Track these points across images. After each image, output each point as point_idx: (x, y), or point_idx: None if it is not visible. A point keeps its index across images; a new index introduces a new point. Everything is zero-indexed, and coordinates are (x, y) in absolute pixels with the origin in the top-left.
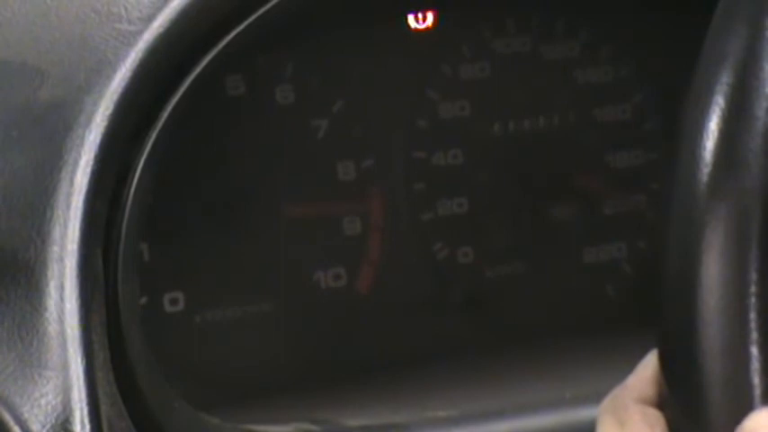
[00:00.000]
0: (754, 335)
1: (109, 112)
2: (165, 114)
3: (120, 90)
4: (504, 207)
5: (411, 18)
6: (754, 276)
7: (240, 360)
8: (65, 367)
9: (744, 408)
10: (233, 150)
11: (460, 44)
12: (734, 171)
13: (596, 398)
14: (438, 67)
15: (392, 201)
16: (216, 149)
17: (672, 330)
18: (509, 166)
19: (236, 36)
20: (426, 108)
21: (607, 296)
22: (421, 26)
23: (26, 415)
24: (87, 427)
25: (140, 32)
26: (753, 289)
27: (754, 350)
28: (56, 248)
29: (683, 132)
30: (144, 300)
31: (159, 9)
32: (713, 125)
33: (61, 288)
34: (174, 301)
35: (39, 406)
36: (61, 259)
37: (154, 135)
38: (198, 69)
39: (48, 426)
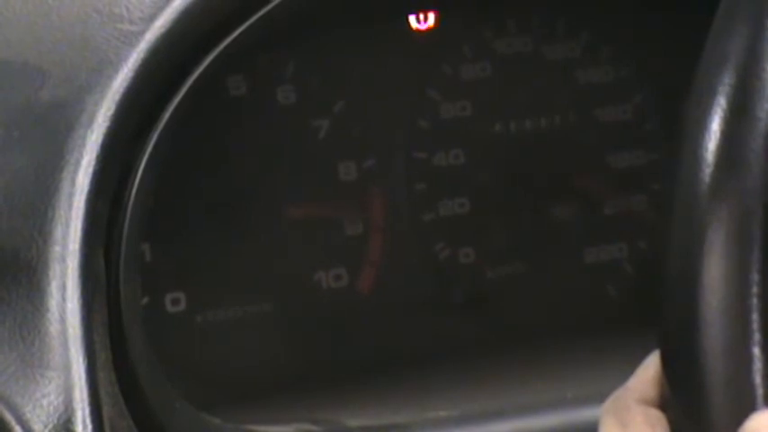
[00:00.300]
0: (756, 335)
1: (110, 112)
2: (166, 114)
3: (121, 90)
4: (506, 207)
5: (412, 18)
6: (755, 277)
7: (241, 360)
8: (66, 367)
9: (745, 408)
10: (234, 150)
11: (461, 44)
12: (735, 171)
13: (597, 398)
14: (439, 67)
15: (393, 201)
16: (217, 149)
17: (673, 331)
18: (510, 167)
19: (237, 36)
20: (427, 108)
21: (608, 296)
22: (422, 26)
23: (28, 415)
24: (89, 427)
25: (142, 33)
26: (754, 289)
27: (756, 351)
28: (57, 248)
29: (684, 133)
30: (145, 300)
31: (161, 9)
32: (715, 126)
33: (63, 288)
34: (175, 302)
35: (41, 406)
36: (63, 259)
37: (155, 135)
38: (199, 69)
39: (49, 426)
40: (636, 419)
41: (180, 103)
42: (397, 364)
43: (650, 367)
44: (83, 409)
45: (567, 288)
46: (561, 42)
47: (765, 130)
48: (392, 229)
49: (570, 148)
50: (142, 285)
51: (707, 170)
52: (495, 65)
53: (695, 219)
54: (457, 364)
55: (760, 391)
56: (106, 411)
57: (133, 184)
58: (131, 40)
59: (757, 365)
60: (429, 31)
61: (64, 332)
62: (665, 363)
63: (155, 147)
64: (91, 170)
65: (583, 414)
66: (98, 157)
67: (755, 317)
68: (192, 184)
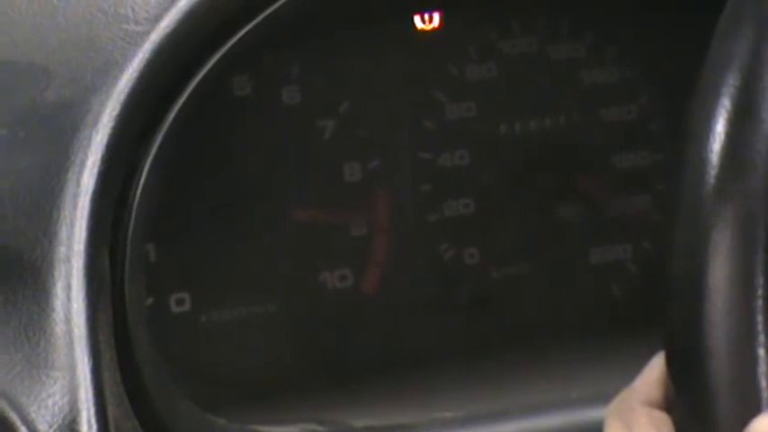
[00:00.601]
0: (761, 337)
1: (116, 112)
2: (171, 115)
3: (126, 90)
4: (511, 208)
5: (417, 19)
6: (760, 278)
7: (246, 361)
8: (72, 367)
9: (750, 410)
10: (239, 151)
11: (467, 45)
12: (740, 173)
13: (602, 398)
14: (444, 67)
15: (398, 201)
16: (222, 150)
17: (678, 332)
18: (515, 167)
19: (242, 36)
20: (432, 109)
21: (613, 296)
22: (427, 27)
23: (33, 415)
24: (94, 427)
25: (147, 33)
26: (759, 291)
27: (761, 352)
28: (62, 249)
29: (689, 134)
30: (150, 300)
31: (166, 9)
32: (719, 127)
33: (68, 288)
34: (180, 302)
35: (46, 406)
36: (68, 259)
37: (160, 136)
38: (204, 70)
39: (54, 426)
40: (640, 421)
41: (185, 104)
42: (402, 365)
43: (655, 368)
44: (88, 410)
45: (571, 288)
46: (566, 43)
47: None
48: (397, 230)
49: (575, 149)
50: (147, 286)
51: (711, 172)
52: (500, 65)
53: (700, 220)
54: (462, 364)
55: (765, 393)
56: (111, 411)
57: (138, 184)
58: (136, 40)
59: (762, 367)
60: (434, 31)
61: (69, 332)
62: (670, 364)
63: (160, 147)
64: (96, 171)
65: (587, 414)
66: (103, 157)
67: (760, 318)
68: (196, 184)
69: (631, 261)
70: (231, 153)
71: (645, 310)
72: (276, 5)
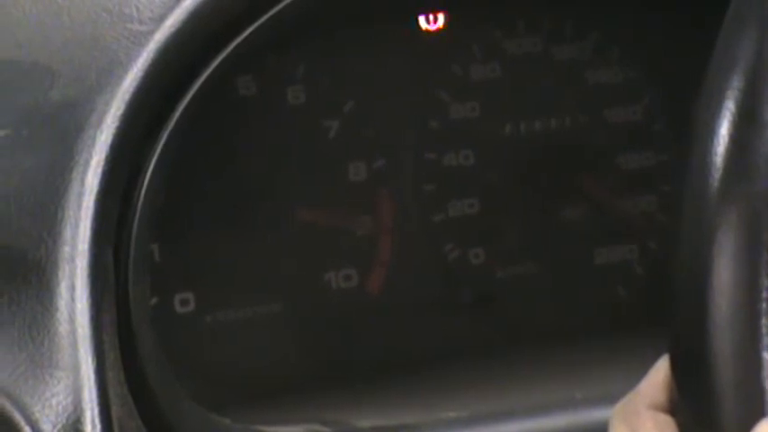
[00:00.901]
0: (766, 340)
1: (120, 112)
2: (176, 114)
3: (131, 90)
4: (515, 208)
5: (422, 19)
6: (765, 281)
7: (251, 361)
8: (76, 367)
9: (755, 413)
10: (244, 151)
11: (471, 45)
12: (745, 175)
13: (607, 399)
14: (449, 67)
15: (403, 201)
16: (227, 150)
17: (682, 336)
18: (520, 167)
19: (247, 36)
20: (437, 109)
21: (618, 297)
22: (432, 27)
23: (37, 415)
24: (98, 427)
25: (152, 33)
26: (764, 294)
27: (766, 355)
28: (67, 248)
29: (694, 136)
30: (154, 300)
31: (171, 9)
32: (724, 130)
33: (72, 288)
34: (184, 302)
35: (50, 406)
36: (72, 259)
37: (165, 135)
38: (209, 70)
39: (58, 426)
40: (646, 425)
41: (189, 104)
42: (407, 365)
43: (660, 372)
44: (92, 409)
45: (576, 289)
46: (570, 43)
47: None
48: (402, 230)
49: (579, 149)
50: (151, 286)
51: (716, 174)
52: (504, 65)
53: (704, 223)
54: (466, 364)
55: None
56: (115, 411)
57: (142, 184)
58: (141, 40)
59: (767, 370)
60: (438, 31)
61: (73, 332)
62: (675, 367)
63: (164, 147)
64: (100, 170)
65: (592, 415)
66: (107, 157)
67: (765, 321)
68: (201, 184)
69: (637, 262)
70: (236, 153)
71: (650, 311)
72: (281, 6)
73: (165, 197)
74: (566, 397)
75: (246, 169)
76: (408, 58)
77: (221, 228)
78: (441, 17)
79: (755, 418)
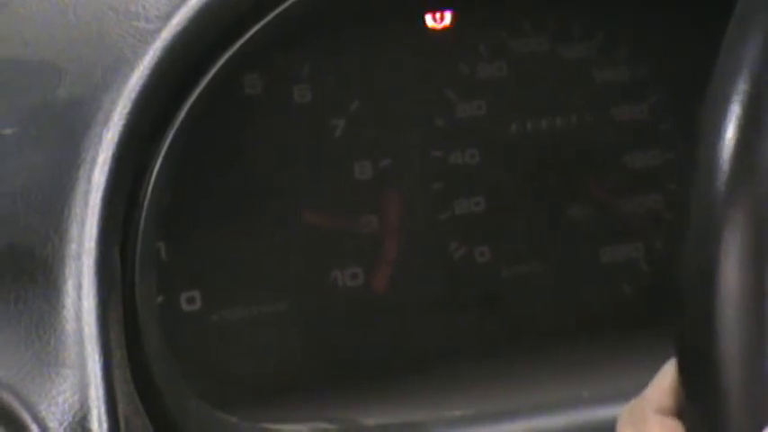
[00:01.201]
0: None
1: (127, 110)
2: (182, 113)
3: (137, 88)
4: (521, 206)
5: (428, 17)
6: None
7: (257, 359)
8: (82, 365)
9: (762, 418)
10: (250, 149)
11: (478, 44)
12: (750, 178)
13: (613, 397)
14: (455, 66)
15: (409, 200)
16: (233, 148)
17: (689, 340)
18: (526, 166)
19: (253, 35)
20: (443, 107)
21: (624, 295)
22: (438, 25)
23: (44, 413)
24: (105, 424)
25: (158, 30)
26: None
27: None
28: (73, 246)
29: (699, 138)
30: (161, 298)
31: (177, 7)
32: (729, 132)
33: (79, 286)
34: (190, 300)
35: (56, 404)
36: (79, 257)
37: (171, 134)
38: (215, 68)
39: (65, 423)
40: (653, 430)
41: (196, 102)
42: (413, 363)
43: (667, 376)
44: (98, 407)
45: (582, 287)
46: (577, 42)
47: None
48: (408, 228)
49: (586, 148)
50: (157, 284)
51: (721, 177)
52: (511, 64)
53: (711, 226)
54: (472, 362)
55: None
56: (121, 409)
57: (149, 182)
58: (147, 38)
59: None
60: (445, 30)
61: (80, 330)
62: (682, 372)
63: (170, 145)
64: (107, 168)
65: (598, 413)
66: (114, 155)
67: None
68: (207, 182)
69: (643, 260)
70: (242, 152)
71: (656, 309)
72: (287, 4)
73: (171, 195)
74: (571, 395)
75: (253, 168)
76: (415, 57)
77: (228, 226)
78: (447, 16)
79: (763, 422)
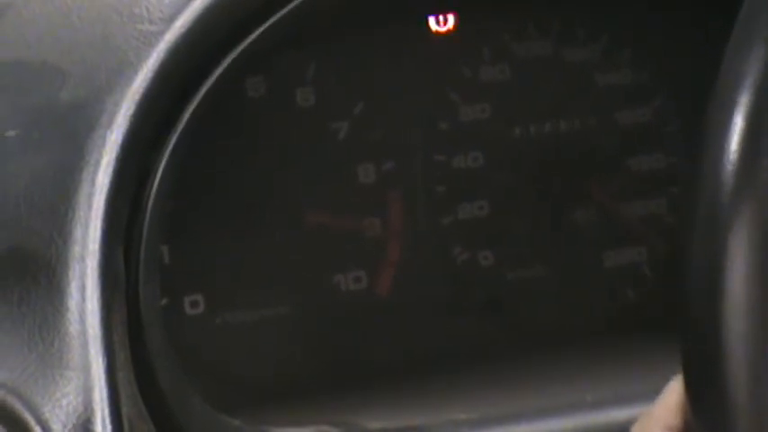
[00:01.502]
0: None
1: (130, 112)
2: (186, 115)
3: (141, 91)
4: (525, 210)
5: (432, 20)
6: None
7: (260, 362)
8: (86, 367)
9: None
10: (253, 153)
11: (481, 47)
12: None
13: (616, 401)
14: (458, 69)
15: (412, 203)
16: (236, 151)
17: (695, 355)
18: (529, 169)
19: (257, 38)
20: (447, 110)
21: (627, 300)
22: (441, 28)
23: (47, 415)
24: (108, 427)
25: (162, 33)
26: None
27: None
28: (77, 248)
29: (704, 142)
30: (164, 302)
31: (181, 10)
32: (735, 135)
33: (82, 288)
34: (194, 304)
35: (60, 406)
36: (82, 259)
37: (175, 136)
38: (219, 70)
39: (69, 426)
40: None
41: (199, 104)
42: (416, 367)
43: (673, 393)
44: (102, 410)
45: (585, 291)
46: (581, 45)
47: None
48: (411, 232)
49: (589, 151)
50: (161, 287)
51: (727, 182)
52: (514, 67)
53: (716, 236)
54: (475, 366)
55: None
56: (125, 412)
57: (152, 184)
58: (151, 40)
59: None
60: (448, 33)
61: (83, 332)
62: (688, 389)
63: (174, 148)
64: (110, 170)
65: (602, 417)
66: (117, 157)
67: None
68: (210, 186)
69: (646, 264)
70: (245, 155)
71: (659, 314)
72: (290, 7)
73: (174, 199)
74: (575, 399)
75: (256, 171)
76: (418, 60)
77: (231, 229)
78: (451, 19)
79: None
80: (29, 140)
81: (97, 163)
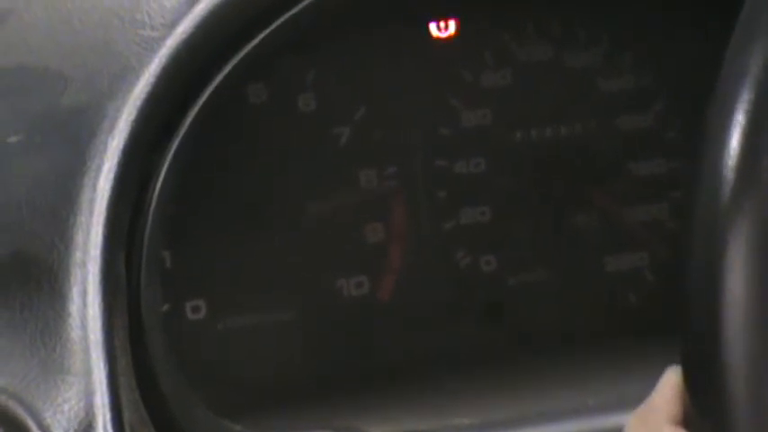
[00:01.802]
0: None
1: (132, 118)
2: (187, 121)
3: (143, 96)
4: (527, 215)
5: (433, 26)
6: None
7: (262, 367)
8: (87, 372)
9: None
10: (254, 158)
11: (482, 52)
12: (755, 184)
13: (618, 405)
14: (460, 74)
15: (414, 209)
16: (238, 157)
17: (694, 349)
18: (531, 174)
19: (258, 43)
20: (448, 116)
21: (629, 304)
22: (443, 34)
23: (49, 420)
24: None
25: (163, 39)
26: None
27: None
28: (79, 254)
29: (704, 146)
30: (166, 307)
31: (182, 15)
32: (734, 140)
33: (84, 293)
34: (196, 309)
35: (61, 411)
36: (84, 264)
37: (176, 142)
38: (220, 76)
39: (70, 431)
40: None
41: (201, 110)
42: (418, 372)
43: (670, 384)
44: (104, 415)
45: (587, 296)
46: (582, 50)
47: None
48: (413, 237)
49: (591, 156)
50: (163, 293)
51: (727, 184)
52: (515, 72)
53: (716, 236)
54: (478, 371)
55: None
56: (127, 417)
57: (154, 190)
58: (153, 46)
59: None
60: (450, 38)
61: (85, 337)
62: (688, 381)
63: (175, 154)
64: (112, 176)
65: (603, 421)
66: (119, 162)
67: None
68: (212, 191)
69: (648, 269)
70: (247, 160)
71: (661, 318)
72: (292, 12)
73: (176, 204)
74: (577, 404)
75: (258, 176)
76: (419, 66)
77: (232, 234)
78: (452, 24)
79: None
80: (31, 145)
81: (99, 168)
